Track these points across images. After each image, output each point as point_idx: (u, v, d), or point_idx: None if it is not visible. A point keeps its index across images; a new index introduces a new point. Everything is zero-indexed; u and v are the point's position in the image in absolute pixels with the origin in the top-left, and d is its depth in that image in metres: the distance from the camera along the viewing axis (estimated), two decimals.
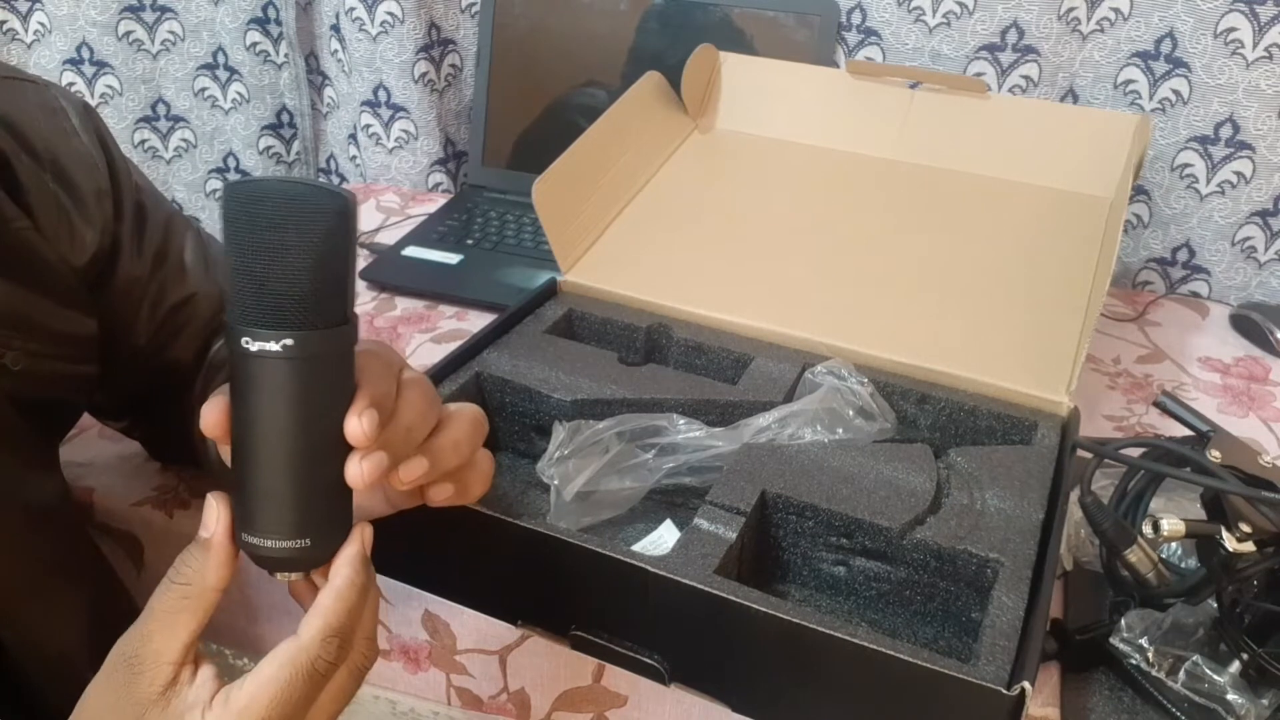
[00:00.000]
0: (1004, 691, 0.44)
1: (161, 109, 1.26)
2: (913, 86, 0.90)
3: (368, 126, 1.20)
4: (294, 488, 0.39)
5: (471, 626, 0.65)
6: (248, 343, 0.36)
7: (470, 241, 1.04)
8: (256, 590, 0.70)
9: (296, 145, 1.29)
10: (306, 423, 0.38)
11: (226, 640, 0.73)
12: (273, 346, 0.36)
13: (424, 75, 1.16)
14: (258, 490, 0.39)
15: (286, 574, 0.41)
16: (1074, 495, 0.58)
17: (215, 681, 0.40)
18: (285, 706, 0.39)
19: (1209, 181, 0.96)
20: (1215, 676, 0.53)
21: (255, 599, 0.71)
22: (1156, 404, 0.61)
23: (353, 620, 0.41)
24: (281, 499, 0.39)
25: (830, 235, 0.81)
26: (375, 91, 1.17)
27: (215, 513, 0.40)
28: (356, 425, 0.38)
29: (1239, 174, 0.94)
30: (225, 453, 0.41)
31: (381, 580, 0.46)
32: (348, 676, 0.41)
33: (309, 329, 0.37)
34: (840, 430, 0.63)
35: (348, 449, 0.39)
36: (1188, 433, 0.59)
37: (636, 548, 0.61)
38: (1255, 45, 0.89)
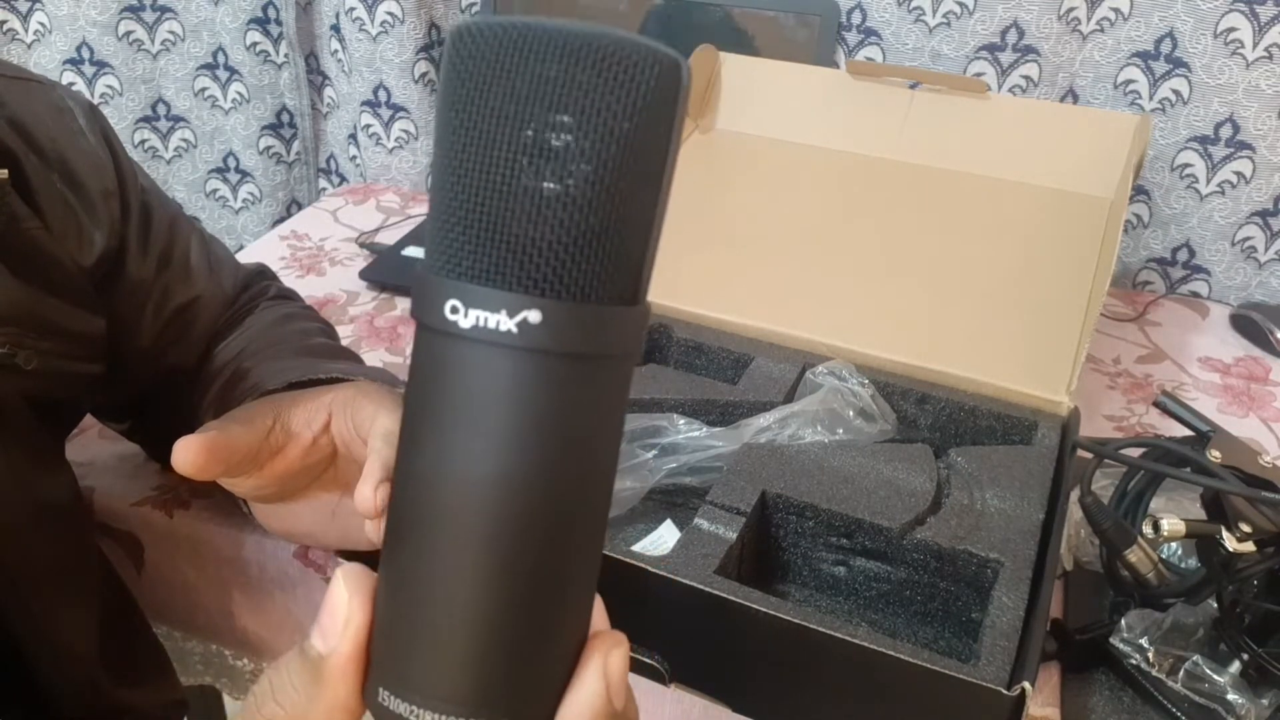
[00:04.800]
0: (1004, 692, 0.44)
1: (161, 109, 1.26)
2: (913, 86, 0.90)
3: (368, 126, 1.20)
4: (509, 621, 0.22)
5: None
6: (455, 312, 0.20)
7: None
8: (259, 588, 0.70)
9: (296, 145, 1.29)
10: (549, 492, 0.21)
11: (227, 640, 0.73)
12: (504, 323, 0.20)
13: (424, 75, 1.16)
14: (432, 620, 0.22)
15: None
16: (1074, 495, 0.58)
17: None
18: None
19: (1209, 181, 0.96)
20: (1215, 677, 0.53)
21: (258, 596, 0.71)
22: (1156, 404, 0.61)
23: None
24: (477, 641, 0.22)
25: (830, 235, 0.81)
26: (375, 91, 1.17)
27: (344, 614, 0.23)
28: (369, 497, 0.32)
29: (1239, 174, 0.94)
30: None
31: None
32: None
33: (579, 300, 0.21)
34: (841, 431, 0.63)
35: (599, 547, 0.24)
36: (1188, 433, 0.59)
37: (637, 548, 0.61)
38: (1255, 45, 0.89)
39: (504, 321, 0.20)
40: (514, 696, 0.22)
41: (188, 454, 0.31)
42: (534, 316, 0.20)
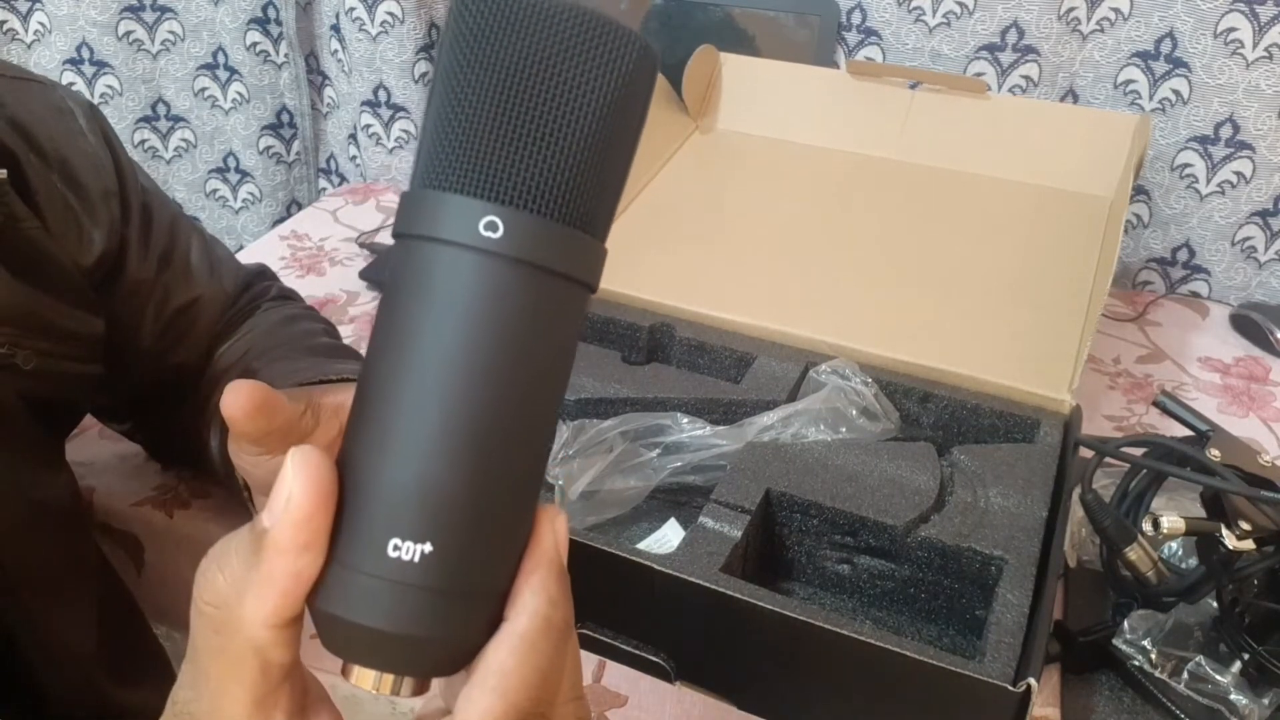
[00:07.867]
0: (1010, 688, 0.44)
1: (161, 109, 1.26)
2: (913, 86, 0.90)
3: (368, 126, 1.20)
4: (469, 488, 0.23)
5: None
6: (492, 229, 0.22)
7: None
8: None
9: (296, 145, 1.29)
10: (516, 385, 0.23)
11: None
12: (496, 233, 0.22)
13: (424, 75, 1.16)
14: (393, 483, 0.23)
15: (388, 673, 0.25)
16: (1075, 493, 0.58)
17: None
18: None
19: (1209, 181, 0.96)
20: (1218, 677, 0.53)
21: None
22: (1156, 404, 0.61)
23: (548, 689, 0.26)
24: (439, 498, 0.23)
25: (831, 235, 0.81)
26: (375, 91, 1.17)
27: (287, 491, 0.24)
28: None
29: (1239, 174, 0.95)
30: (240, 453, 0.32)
31: None
32: None
33: (569, 224, 0.23)
34: (844, 430, 0.63)
35: (546, 446, 0.26)
36: (1187, 433, 0.59)
37: (641, 546, 0.61)
38: (1255, 45, 0.89)
39: (498, 230, 0.22)
40: (475, 562, 0.24)
41: (239, 397, 0.29)
42: (535, 226, 0.22)
